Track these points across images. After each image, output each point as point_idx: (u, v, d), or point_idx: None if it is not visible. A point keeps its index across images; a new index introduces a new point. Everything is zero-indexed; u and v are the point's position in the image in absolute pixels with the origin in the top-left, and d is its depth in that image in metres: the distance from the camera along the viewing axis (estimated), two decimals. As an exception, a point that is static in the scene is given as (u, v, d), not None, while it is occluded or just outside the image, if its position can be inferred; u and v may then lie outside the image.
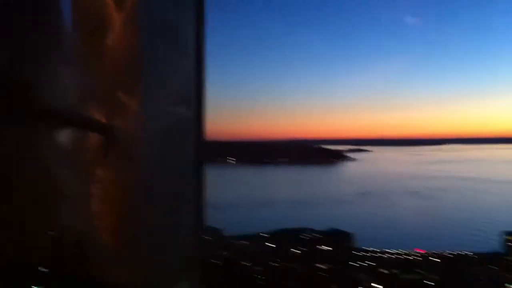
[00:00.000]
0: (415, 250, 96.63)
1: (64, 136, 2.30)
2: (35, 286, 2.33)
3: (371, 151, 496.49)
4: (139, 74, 2.34)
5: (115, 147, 2.25)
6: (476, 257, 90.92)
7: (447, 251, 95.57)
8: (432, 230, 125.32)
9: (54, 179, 2.31)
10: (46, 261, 2.38)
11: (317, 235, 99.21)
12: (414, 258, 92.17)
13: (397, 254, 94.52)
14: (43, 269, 2.37)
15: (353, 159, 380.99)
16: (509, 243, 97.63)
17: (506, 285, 75.73)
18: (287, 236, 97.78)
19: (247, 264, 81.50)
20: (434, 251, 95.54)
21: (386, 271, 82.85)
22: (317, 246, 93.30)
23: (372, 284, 74.90)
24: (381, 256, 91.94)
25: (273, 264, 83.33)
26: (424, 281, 77.97)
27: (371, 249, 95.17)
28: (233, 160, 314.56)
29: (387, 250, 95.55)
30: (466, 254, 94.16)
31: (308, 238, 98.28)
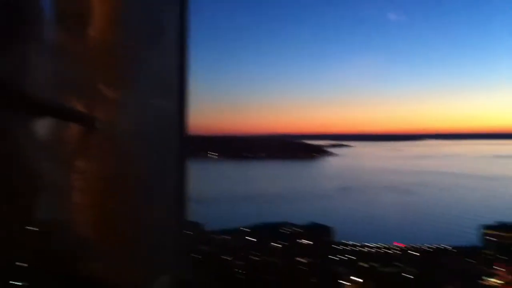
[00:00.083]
0: (394, 244, 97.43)
1: (44, 126, 2.27)
2: (15, 281, 2.31)
3: (352, 146, 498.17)
4: (121, 67, 2.33)
5: (96, 139, 2.23)
6: (455, 250, 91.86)
7: (426, 245, 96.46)
8: (411, 224, 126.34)
9: (32, 170, 2.27)
10: (25, 256, 2.35)
11: (298, 229, 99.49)
12: (393, 252, 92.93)
13: (377, 248, 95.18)
14: (23, 264, 2.35)
15: (333, 154, 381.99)
16: (487, 237, 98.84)
17: (484, 278, 76.66)
18: (268, 230, 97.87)
19: (228, 258, 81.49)
20: (413, 245, 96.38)
21: (365, 265, 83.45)
22: (298, 240, 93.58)
23: (352, 278, 75.32)
24: (361, 250, 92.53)
25: (254, 258, 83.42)
26: (403, 274, 78.65)
27: (351, 243, 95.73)
28: (215, 155, 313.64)
29: (366, 244, 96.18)
30: (444, 247, 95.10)
31: (288, 232, 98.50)
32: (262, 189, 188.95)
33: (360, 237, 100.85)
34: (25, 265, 2.36)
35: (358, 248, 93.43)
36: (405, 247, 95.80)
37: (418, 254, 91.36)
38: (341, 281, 74.38)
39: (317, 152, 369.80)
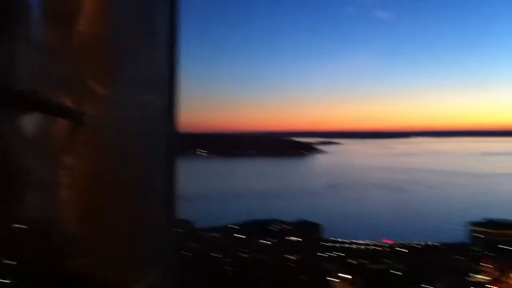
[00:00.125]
0: (383, 240, 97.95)
1: (31, 122, 2.24)
2: (3, 279, 2.28)
3: (341, 143, 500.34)
4: (111, 63, 2.31)
5: (85, 135, 2.21)
6: (443, 247, 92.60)
7: (414, 242, 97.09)
8: (400, 221, 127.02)
9: (19, 167, 2.25)
10: (12, 253, 2.33)
11: (287, 227, 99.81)
12: (382, 249, 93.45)
13: (366, 245, 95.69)
14: (10, 262, 2.32)
15: (323, 152, 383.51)
16: (475, 234, 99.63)
17: (471, 274, 77.23)
18: (257, 228, 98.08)
19: (218, 255, 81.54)
20: (401, 242, 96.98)
21: (354, 261, 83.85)
22: (286, 237, 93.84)
23: (341, 274, 75.62)
24: (350, 247, 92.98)
25: (243, 255, 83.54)
26: (392, 271, 79.09)
27: (340, 240, 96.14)
28: (204, 152, 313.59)
29: (355, 241, 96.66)
30: (432, 244, 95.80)
31: (277, 229, 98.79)
32: (252, 187, 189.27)
33: (349, 234, 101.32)
34: (13, 263, 2.34)
35: (347, 245, 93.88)
36: (393, 244, 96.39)
37: (406, 251, 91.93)
38: (330, 278, 74.64)
39: (306, 150, 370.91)
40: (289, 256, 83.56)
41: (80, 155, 2.23)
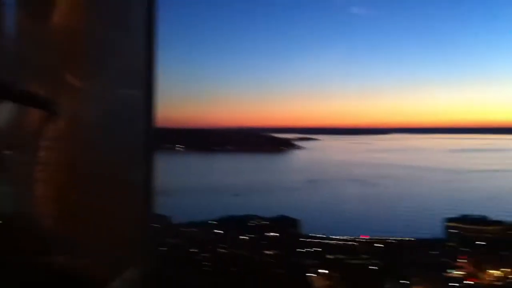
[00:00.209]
0: (361, 236, 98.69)
1: (3, 111, 2.18)
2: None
3: (319, 139, 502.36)
4: (87, 54, 2.26)
5: (60, 128, 2.16)
6: (419, 243, 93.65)
7: (391, 237, 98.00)
8: (377, 217, 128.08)
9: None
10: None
11: (265, 222, 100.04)
12: (359, 244, 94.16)
13: (343, 240, 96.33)
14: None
15: (301, 148, 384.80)
16: (451, 230, 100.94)
17: (447, 270, 78.18)
18: (235, 223, 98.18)
19: (196, 251, 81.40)
20: (378, 237, 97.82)
21: (332, 257, 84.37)
22: (265, 233, 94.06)
23: (319, 270, 76.04)
24: (327, 242, 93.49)
25: (221, 250, 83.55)
26: (369, 267, 79.76)
27: (318, 235, 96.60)
28: (181, 147, 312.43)
29: (333, 236, 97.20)
30: (409, 240, 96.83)
31: (256, 225, 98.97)
32: (230, 182, 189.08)
33: (327, 229, 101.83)
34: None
35: (325, 241, 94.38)
36: (371, 239, 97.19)
37: (383, 246, 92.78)
38: (308, 273, 75.00)
39: (284, 145, 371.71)
40: (267, 252, 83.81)
41: (55, 148, 2.18)
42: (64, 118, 2.15)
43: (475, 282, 75.88)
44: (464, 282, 75.43)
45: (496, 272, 78.81)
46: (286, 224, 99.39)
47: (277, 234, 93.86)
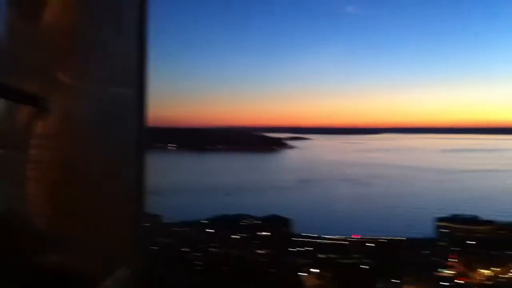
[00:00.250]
0: (352, 236, 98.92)
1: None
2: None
3: (311, 139, 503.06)
4: (78, 53, 2.25)
5: (51, 127, 2.15)
6: (410, 242, 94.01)
7: (382, 237, 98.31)
8: (369, 216, 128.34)
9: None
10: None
11: (257, 222, 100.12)
12: (351, 244, 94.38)
13: (335, 239, 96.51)
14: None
15: (293, 147, 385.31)
16: (442, 229, 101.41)
17: (439, 269, 78.51)
18: (227, 223, 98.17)
19: (187, 250, 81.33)
20: (370, 237, 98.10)
21: (324, 256, 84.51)
22: (257, 232, 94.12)
23: (311, 269, 76.16)
24: (319, 242, 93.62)
25: (213, 250, 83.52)
26: (360, 266, 79.97)
27: (309, 235, 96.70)
28: (173, 147, 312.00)
29: (325, 236, 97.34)
30: (400, 239, 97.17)
31: (247, 224, 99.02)
32: (221, 181, 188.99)
33: (319, 229, 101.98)
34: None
35: (316, 240, 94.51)
36: (363, 239, 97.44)
37: (375, 245, 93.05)
38: (300, 273, 75.09)
39: (276, 145, 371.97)
40: (259, 251, 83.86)
41: (47, 147, 2.17)
42: (56, 116, 2.14)
43: (465, 281, 76.24)
44: (455, 281, 75.76)
45: (486, 272, 79.26)
46: (278, 224, 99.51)
47: (269, 234, 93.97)
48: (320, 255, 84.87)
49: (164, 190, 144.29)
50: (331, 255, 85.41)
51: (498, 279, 77.46)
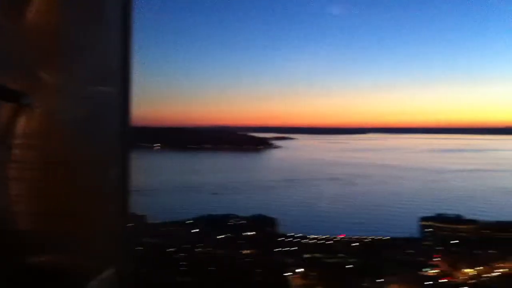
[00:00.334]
0: (337, 235, 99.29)
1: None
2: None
3: (297, 138, 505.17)
4: (61, 52, 2.23)
5: (34, 126, 2.12)
6: (395, 242, 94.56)
7: (367, 236, 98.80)
8: (354, 215, 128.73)
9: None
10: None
11: (242, 221, 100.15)
12: (336, 243, 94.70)
13: (320, 239, 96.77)
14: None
15: (279, 147, 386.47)
16: (426, 229, 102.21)
17: (423, 268, 79.01)
18: (213, 223, 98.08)
19: (173, 250, 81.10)
20: (355, 236, 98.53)
21: (309, 256, 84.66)
22: (242, 232, 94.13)
23: (296, 269, 76.28)
24: (304, 241, 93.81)
25: (199, 250, 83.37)
26: (345, 265, 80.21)
27: (295, 234, 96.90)
28: (159, 146, 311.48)
29: (310, 235, 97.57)
30: (385, 238, 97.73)
31: (233, 224, 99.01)
32: (207, 181, 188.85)
33: (304, 228, 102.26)
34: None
35: (302, 240, 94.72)
36: (347, 238, 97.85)
37: (360, 245, 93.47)
38: (285, 272, 75.18)
39: (262, 144, 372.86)
40: (245, 251, 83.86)
41: (29, 146, 2.14)
42: (39, 116, 2.12)
43: (449, 281, 76.80)
44: (439, 280, 76.28)
45: (470, 271, 79.92)
46: (264, 223, 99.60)
47: (254, 233, 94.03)
48: (305, 255, 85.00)
49: (149, 190, 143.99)
50: (316, 255, 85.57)
51: (482, 278, 78.17)
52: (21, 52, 2.20)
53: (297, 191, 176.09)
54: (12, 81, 2.22)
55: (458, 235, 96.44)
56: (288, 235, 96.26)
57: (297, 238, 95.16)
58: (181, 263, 76.24)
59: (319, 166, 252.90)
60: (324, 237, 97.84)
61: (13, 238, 2.27)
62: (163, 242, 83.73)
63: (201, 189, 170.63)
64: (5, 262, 2.24)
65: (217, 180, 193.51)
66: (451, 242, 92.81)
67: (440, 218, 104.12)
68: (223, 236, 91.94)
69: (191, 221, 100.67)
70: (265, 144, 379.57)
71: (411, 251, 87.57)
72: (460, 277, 78.60)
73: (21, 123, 2.02)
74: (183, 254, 79.72)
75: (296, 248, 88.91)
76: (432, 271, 78.70)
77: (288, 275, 74.85)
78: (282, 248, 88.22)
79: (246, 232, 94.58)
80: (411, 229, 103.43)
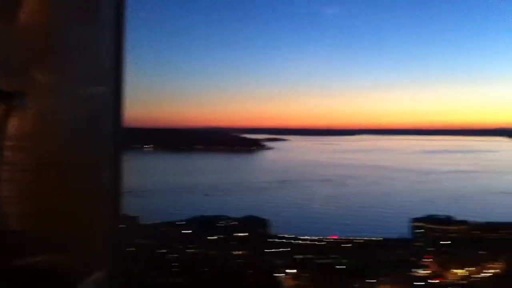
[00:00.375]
0: (329, 236, 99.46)
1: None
2: None
3: (289, 140, 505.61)
4: (54, 52, 2.22)
5: (26, 127, 2.11)
6: (386, 242, 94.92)
7: (359, 237, 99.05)
8: (346, 216, 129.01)
9: None
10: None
11: (234, 222, 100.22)
12: (328, 244, 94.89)
13: (312, 240, 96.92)
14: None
15: (271, 148, 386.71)
16: (417, 230, 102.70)
17: (414, 269, 79.27)
18: (205, 223, 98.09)
19: (165, 251, 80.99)
20: (347, 237, 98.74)
21: (301, 256, 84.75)
22: (234, 233, 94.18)
23: (287, 270, 76.34)
24: (296, 242, 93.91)
25: (191, 251, 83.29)
26: (337, 266, 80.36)
27: (287, 235, 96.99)
28: (151, 147, 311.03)
29: (302, 236, 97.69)
30: (376, 239, 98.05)
31: (225, 225, 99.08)
32: (199, 182, 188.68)
33: (296, 229, 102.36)
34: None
35: (294, 241, 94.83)
36: (339, 239, 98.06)
37: (351, 246, 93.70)
38: (277, 273, 75.25)
39: (254, 146, 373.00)
40: (236, 252, 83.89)
41: (20, 146, 2.13)
42: (31, 116, 2.10)
43: (440, 281, 77.13)
44: (430, 281, 76.58)
45: (461, 271, 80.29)
46: (255, 224, 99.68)
47: (246, 234, 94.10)
48: (297, 256, 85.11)
49: (142, 191, 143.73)
50: (308, 256, 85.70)
51: (472, 279, 78.57)
52: (14, 53, 2.19)
53: (289, 192, 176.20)
54: (4, 81, 2.21)
55: (449, 236, 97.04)
56: (280, 236, 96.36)
57: (289, 239, 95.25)
58: (173, 264, 76.15)
59: (311, 167, 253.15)
60: (316, 238, 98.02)
61: (5, 239, 2.26)
62: (155, 243, 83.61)
63: (194, 190, 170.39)
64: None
65: (209, 181, 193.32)
66: (442, 242, 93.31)
67: (431, 219, 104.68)
68: (215, 237, 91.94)
69: (183, 222, 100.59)
70: (258, 145, 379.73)
71: (403, 251, 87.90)
72: (451, 278, 78.93)
73: (13, 124, 2.00)
74: (175, 255, 79.64)
75: (288, 249, 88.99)
76: (423, 272, 78.99)
77: (280, 276, 74.91)
78: (274, 249, 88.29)
79: (238, 233, 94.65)
80: (402, 230, 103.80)
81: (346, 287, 72.91)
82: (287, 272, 75.79)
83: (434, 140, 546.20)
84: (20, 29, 2.15)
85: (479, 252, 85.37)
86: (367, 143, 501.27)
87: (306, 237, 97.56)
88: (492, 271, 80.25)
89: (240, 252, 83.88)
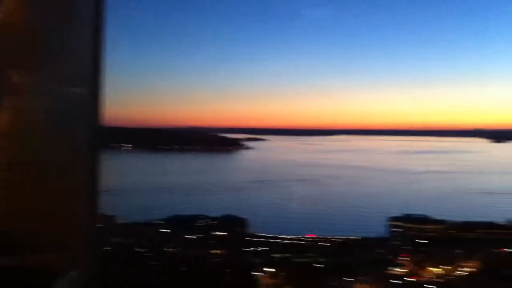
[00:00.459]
0: (306, 235, 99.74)
1: None
2: None
3: (268, 140, 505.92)
4: (32, 51, 2.23)
5: (2, 126, 2.11)
6: (364, 241, 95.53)
7: (337, 236, 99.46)
8: (323, 216, 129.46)
9: None
10: None
11: (212, 222, 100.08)
12: (305, 243, 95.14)
13: (290, 239, 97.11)
14: None
15: (250, 148, 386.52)
16: (394, 228, 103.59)
17: (390, 268, 79.76)
18: (183, 223, 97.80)
19: (142, 250, 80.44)
20: (324, 236, 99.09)
21: (279, 255, 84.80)
22: (212, 232, 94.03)
23: (265, 268, 76.26)
24: (274, 241, 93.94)
25: (169, 250, 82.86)
26: (315, 265, 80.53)
27: (265, 234, 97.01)
28: (129, 147, 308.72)
29: (280, 235, 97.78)
30: (354, 238, 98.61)
31: (203, 224, 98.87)
32: (177, 182, 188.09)
33: (274, 229, 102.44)
34: None
35: (272, 240, 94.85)
36: (317, 238, 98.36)
37: (329, 245, 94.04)
38: (255, 272, 75.14)
39: (233, 145, 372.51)
40: (214, 251, 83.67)
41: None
42: (8, 115, 2.12)
43: (416, 279, 77.70)
44: (406, 279, 77.10)
45: (436, 270, 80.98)
46: (233, 224, 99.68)
47: (225, 234, 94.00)
48: (275, 255, 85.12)
49: (120, 190, 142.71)
50: (286, 254, 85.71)
51: (448, 277, 79.23)
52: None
53: (268, 192, 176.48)
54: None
55: (426, 235, 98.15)
56: (258, 235, 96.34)
57: (267, 238, 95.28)
58: (151, 263, 75.62)
59: (290, 168, 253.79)
60: (294, 237, 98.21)
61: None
62: (133, 243, 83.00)
63: (172, 190, 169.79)
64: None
65: (188, 180, 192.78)
66: (419, 241, 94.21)
67: (408, 218, 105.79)
68: (193, 236, 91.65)
69: (161, 222, 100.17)
70: (238, 145, 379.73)
71: (380, 250, 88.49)
72: (427, 276, 79.57)
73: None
74: (153, 254, 79.13)
75: (266, 248, 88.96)
76: (400, 270, 79.52)
77: (258, 274, 74.85)
78: (252, 248, 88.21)
79: (216, 232, 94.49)
80: (380, 229, 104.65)
81: (324, 285, 73.04)
82: (265, 271, 75.68)
83: (413, 140, 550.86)
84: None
85: (455, 251, 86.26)
86: (347, 143, 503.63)
87: (284, 236, 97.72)
88: (468, 269, 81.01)
89: (218, 251, 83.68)
